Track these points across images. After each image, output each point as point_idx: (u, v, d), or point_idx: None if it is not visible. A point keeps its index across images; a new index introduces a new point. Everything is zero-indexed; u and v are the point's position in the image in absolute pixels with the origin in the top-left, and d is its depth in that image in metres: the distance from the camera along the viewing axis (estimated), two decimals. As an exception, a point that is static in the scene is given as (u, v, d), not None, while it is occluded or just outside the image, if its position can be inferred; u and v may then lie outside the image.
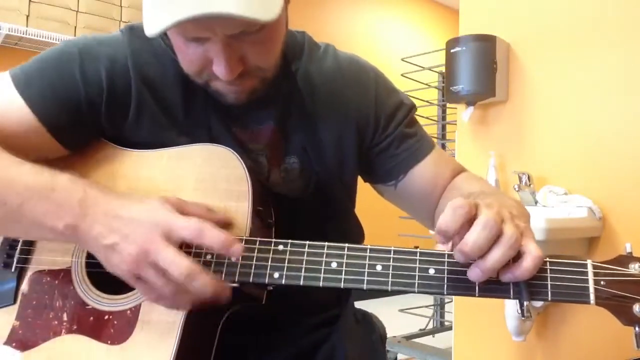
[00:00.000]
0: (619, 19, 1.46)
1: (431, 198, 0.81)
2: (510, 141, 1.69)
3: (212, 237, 0.56)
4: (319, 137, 0.76)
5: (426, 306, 2.73)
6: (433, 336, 2.68)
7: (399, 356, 2.43)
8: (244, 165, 0.65)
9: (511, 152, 1.69)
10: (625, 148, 1.44)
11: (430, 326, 2.72)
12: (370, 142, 0.81)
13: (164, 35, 0.72)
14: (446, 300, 2.80)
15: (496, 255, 0.51)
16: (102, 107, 0.70)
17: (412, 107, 0.85)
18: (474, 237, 0.50)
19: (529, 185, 1.54)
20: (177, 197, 0.62)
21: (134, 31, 0.73)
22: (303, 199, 0.77)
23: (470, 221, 0.52)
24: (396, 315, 2.53)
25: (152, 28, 0.57)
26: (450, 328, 2.45)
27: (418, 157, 0.80)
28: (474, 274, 0.52)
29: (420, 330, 2.66)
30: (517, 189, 1.52)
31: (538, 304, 1.46)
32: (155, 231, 0.56)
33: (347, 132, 0.78)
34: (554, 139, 1.59)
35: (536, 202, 1.53)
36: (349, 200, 0.85)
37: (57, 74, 0.69)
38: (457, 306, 1.83)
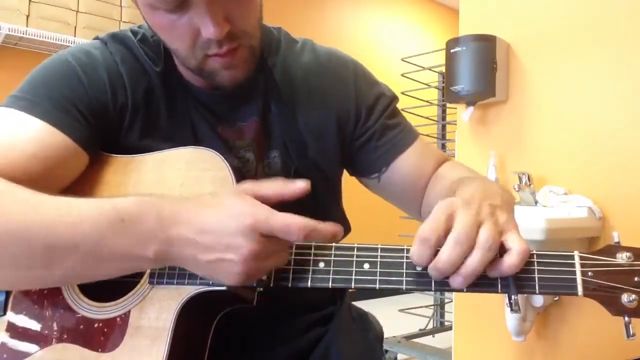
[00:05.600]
0: (619, 19, 1.46)
1: (416, 189, 0.81)
2: (510, 141, 1.69)
3: (325, 231, 0.55)
4: (299, 130, 0.77)
5: (426, 306, 2.73)
6: (433, 336, 2.68)
7: (399, 356, 2.43)
8: (229, 167, 0.65)
9: (511, 152, 1.69)
10: (625, 148, 1.44)
11: (430, 326, 2.72)
12: (352, 134, 0.81)
13: (146, 38, 0.74)
14: (446, 300, 2.80)
15: (473, 262, 0.50)
16: (109, 112, 0.71)
17: (394, 99, 0.85)
18: (447, 254, 0.50)
19: (529, 185, 1.53)
20: (248, 183, 0.59)
21: (116, 40, 0.74)
22: None
23: (447, 231, 0.52)
24: (396, 315, 2.53)
25: None
26: (450, 328, 2.45)
27: (400, 148, 0.81)
28: (457, 282, 0.52)
29: (420, 330, 2.66)
30: (517, 189, 1.52)
31: (538, 304, 1.46)
32: (253, 232, 0.53)
33: (328, 125, 0.79)
34: (554, 139, 1.59)
35: (536, 202, 1.53)
36: (333, 194, 0.85)
37: (67, 88, 0.68)
38: (457, 306, 1.83)
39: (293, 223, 0.53)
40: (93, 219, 0.54)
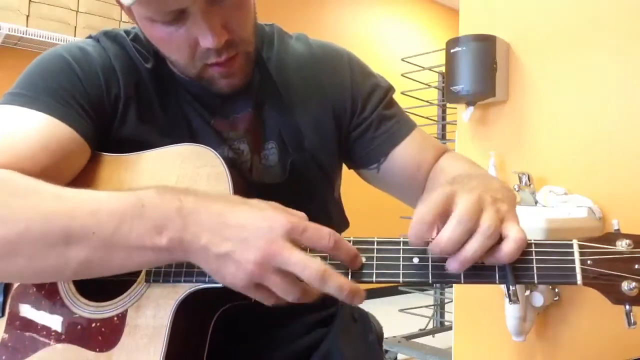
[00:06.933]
0: (619, 19, 1.46)
1: (416, 180, 0.81)
2: (510, 141, 1.69)
3: (347, 251, 0.53)
4: (295, 122, 0.77)
5: (426, 306, 2.73)
6: (433, 336, 2.67)
7: (399, 356, 2.43)
8: (224, 163, 0.65)
9: (511, 152, 1.69)
10: (625, 148, 1.44)
11: (430, 326, 2.72)
12: (349, 126, 0.81)
13: (138, 37, 0.74)
14: (446, 300, 2.80)
15: (473, 247, 0.50)
16: (104, 104, 0.71)
17: (389, 89, 0.85)
18: (449, 232, 0.50)
19: (529, 185, 1.53)
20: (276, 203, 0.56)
21: (108, 37, 0.75)
22: (281, 185, 0.77)
23: (446, 212, 0.51)
24: (396, 315, 2.53)
25: None
26: (450, 328, 2.44)
27: (398, 138, 0.81)
28: (453, 266, 0.51)
29: (420, 330, 2.66)
30: (517, 189, 1.52)
31: (538, 304, 1.46)
32: (276, 234, 0.50)
33: (325, 117, 0.79)
34: (554, 139, 1.59)
35: (536, 202, 1.52)
36: (329, 187, 0.85)
37: (65, 81, 0.69)
38: (457, 306, 1.83)
39: (325, 228, 0.52)
40: (112, 207, 0.53)
